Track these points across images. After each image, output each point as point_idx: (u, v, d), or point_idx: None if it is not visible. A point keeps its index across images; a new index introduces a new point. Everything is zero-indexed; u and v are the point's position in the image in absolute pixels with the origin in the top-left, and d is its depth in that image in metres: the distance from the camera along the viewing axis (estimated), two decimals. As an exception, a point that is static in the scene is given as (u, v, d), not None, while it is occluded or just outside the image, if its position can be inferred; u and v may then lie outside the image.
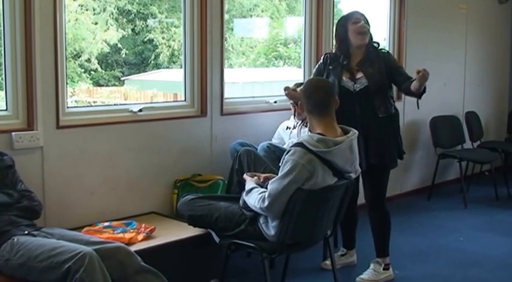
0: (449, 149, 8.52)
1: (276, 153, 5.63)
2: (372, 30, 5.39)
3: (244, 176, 4.73)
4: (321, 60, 5.50)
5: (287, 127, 6.09)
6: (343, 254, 5.82)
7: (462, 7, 9.12)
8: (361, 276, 5.44)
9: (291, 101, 5.78)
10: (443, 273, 5.68)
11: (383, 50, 5.49)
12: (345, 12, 5.95)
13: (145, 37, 7.37)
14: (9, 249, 3.91)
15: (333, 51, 5.56)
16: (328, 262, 5.41)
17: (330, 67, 5.37)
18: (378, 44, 5.45)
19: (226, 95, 6.09)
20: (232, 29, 7.69)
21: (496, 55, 10.13)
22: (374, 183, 5.43)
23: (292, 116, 6.05)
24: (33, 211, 4.31)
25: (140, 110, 5.45)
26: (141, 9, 7.04)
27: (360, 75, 5.27)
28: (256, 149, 5.64)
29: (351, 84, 5.27)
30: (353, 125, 4.69)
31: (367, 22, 5.33)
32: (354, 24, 5.30)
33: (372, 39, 5.38)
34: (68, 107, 5.04)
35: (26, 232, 4.07)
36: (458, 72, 9.20)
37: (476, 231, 6.99)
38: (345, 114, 4.85)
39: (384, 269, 5.48)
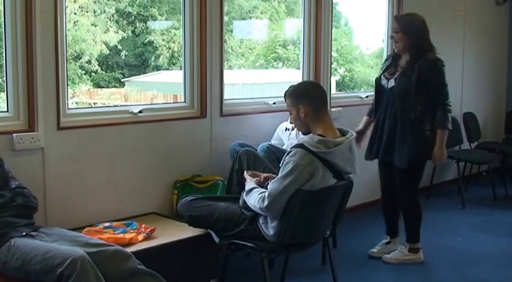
0: (447, 150, 8.50)
1: (275, 154, 5.66)
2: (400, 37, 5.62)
3: (245, 174, 4.76)
4: None
5: (286, 128, 6.11)
6: (388, 242, 6.06)
7: (460, 9, 9.15)
8: (386, 255, 5.90)
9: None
10: (441, 274, 5.71)
11: (432, 55, 5.63)
12: (343, 14, 6.04)
13: (145, 39, 7.38)
14: (6, 252, 3.90)
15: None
16: (375, 250, 5.97)
17: (381, 67, 5.85)
18: (422, 50, 5.59)
19: (225, 96, 6.10)
20: (231, 31, 7.70)
21: (493, 56, 10.16)
22: (399, 177, 5.78)
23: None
24: (29, 207, 4.29)
25: (140, 111, 5.46)
26: (141, 11, 7.05)
27: (396, 75, 5.61)
28: (256, 150, 5.66)
29: (386, 82, 5.67)
30: (382, 121, 5.68)
31: (403, 28, 5.61)
32: None
33: (416, 43, 5.57)
34: (68, 109, 5.05)
35: (24, 233, 4.06)
36: (456, 73, 9.19)
37: (474, 231, 7.01)
38: (377, 109, 5.75)
39: (409, 252, 5.92)
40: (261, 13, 8.20)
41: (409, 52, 5.58)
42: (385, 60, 5.94)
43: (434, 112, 5.60)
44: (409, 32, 5.56)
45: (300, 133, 4.86)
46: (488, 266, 5.88)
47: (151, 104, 6.34)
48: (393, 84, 5.56)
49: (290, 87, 4.65)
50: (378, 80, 5.71)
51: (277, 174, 4.30)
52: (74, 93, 6.93)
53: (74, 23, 6.57)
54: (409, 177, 5.76)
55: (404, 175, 5.73)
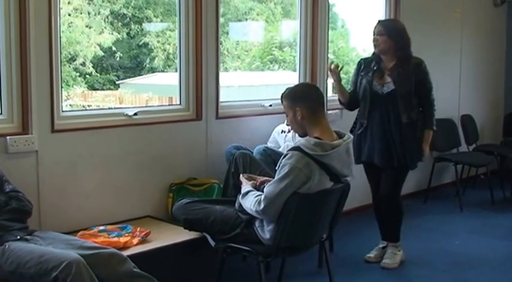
0: (445, 153, 8.52)
1: (272, 156, 5.65)
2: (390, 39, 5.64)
3: (241, 177, 4.74)
4: (356, 66, 5.97)
5: (282, 131, 6.09)
6: (385, 246, 6.03)
7: (457, 11, 9.13)
8: (385, 260, 5.85)
9: None
10: (438, 277, 5.69)
11: (416, 59, 5.72)
12: (340, 16, 6.03)
13: (140, 41, 7.36)
14: (0, 256, 3.88)
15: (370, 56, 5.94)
16: (372, 255, 5.94)
17: (362, 73, 5.80)
18: (408, 53, 5.70)
19: (221, 99, 6.07)
20: (227, 33, 7.68)
21: (491, 58, 10.15)
22: (388, 179, 5.78)
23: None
24: (23, 212, 4.27)
25: (135, 114, 5.44)
26: (136, 12, 7.03)
27: (388, 79, 5.64)
28: (252, 153, 5.63)
29: (379, 88, 5.66)
30: (378, 125, 5.67)
31: (388, 31, 5.63)
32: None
33: (402, 47, 5.65)
34: (62, 111, 5.02)
35: (19, 237, 4.04)
36: (453, 75, 9.20)
37: (472, 234, 6.99)
38: (371, 115, 5.70)
39: (398, 251, 5.93)
40: (257, 15, 8.18)
41: (396, 55, 5.64)
42: (365, 63, 5.86)
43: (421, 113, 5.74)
44: (394, 35, 5.63)
45: (296, 135, 4.84)
46: (487, 270, 5.86)
47: (146, 107, 6.33)
48: (391, 88, 5.58)
49: (287, 89, 4.62)
50: (370, 85, 5.68)
51: (274, 178, 4.28)
52: (68, 95, 6.92)
53: (69, 24, 6.55)
54: (401, 178, 5.83)
55: (398, 175, 5.79)
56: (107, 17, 6.87)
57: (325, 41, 7.10)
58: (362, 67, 5.83)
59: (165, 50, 7.40)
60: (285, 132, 6.04)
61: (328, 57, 7.20)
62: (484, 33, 9.91)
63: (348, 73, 7.43)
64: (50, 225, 4.68)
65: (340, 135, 4.43)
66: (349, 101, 5.89)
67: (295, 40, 7.18)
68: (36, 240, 4.08)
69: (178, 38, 5.85)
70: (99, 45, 6.98)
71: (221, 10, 6.10)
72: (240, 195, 4.52)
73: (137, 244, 4.63)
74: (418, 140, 5.68)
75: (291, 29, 7.91)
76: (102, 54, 7.07)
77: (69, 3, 6.32)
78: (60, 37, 4.94)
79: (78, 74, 7.04)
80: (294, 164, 4.13)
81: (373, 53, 5.78)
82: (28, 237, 4.09)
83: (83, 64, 6.97)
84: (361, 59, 5.97)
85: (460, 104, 9.35)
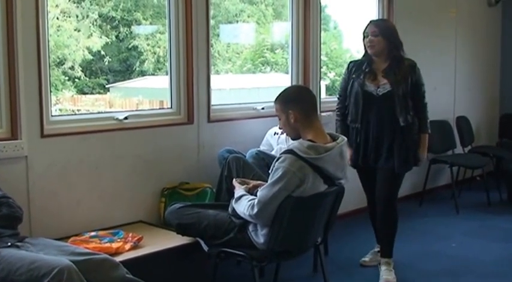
0: (440, 154, 8.49)
1: (265, 160, 5.62)
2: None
3: (234, 182, 4.72)
4: (345, 70, 5.85)
5: (275, 133, 6.06)
6: (380, 251, 5.90)
7: (452, 11, 9.11)
8: (386, 277, 5.57)
9: None
10: (434, 280, 5.67)
11: (409, 60, 5.63)
12: (332, 17, 5.99)
13: (129, 44, 7.33)
14: (-9, 263, 3.86)
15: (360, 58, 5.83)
16: (367, 259, 5.90)
17: (354, 75, 5.67)
18: (402, 53, 5.62)
19: (213, 102, 6.04)
20: (218, 35, 7.66)
21: (486, 58, 10.15)
22: (385, 183, 5.63)
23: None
24: (14, 218, 4.23)
25: (126, 118, 5.39)
26: (125, 15, 7.00)
27: (384, 81, 5.53)
28: (245, 156, 5.60)
29: (374, 89, 5.54)
30: (374, 128, 5.53)
31: (382, 31, 5.54)
32: (364, 38, 5.61)
33: (396, 47, 5.57)
34: (52, 116, 4.98)
35: (9, 244, 3.99)
36: (448, 76, 9.19)
37: (468, 237, 6.97)
38: (365, 118, 5.56)
39: (392, 267, 5.69)
40: (248, 17, 8.16)
41: (390, 56, 5.57)
42: (356, 65, 5.75)
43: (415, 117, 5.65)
44: (388, 35, 5.56)
45: (289, 138, 4.80)
46: (483, 272, 5.84)
47: (137, 111, 6.28)
48: (388, 89, 5.49)
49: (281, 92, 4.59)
50: (361, 88, 5.61)
51: (267, 181, 4.25)
52: (58, 100, 6.88)
53: (57, 28, 6.52)
54: (398, 180, 5.71)
55: (396, 181, 5.68)
56: (96, 20, 6.83)
57: (318, 42, 7.07)
58: (353, 70, 5.71)
59: (155, 53, 7.37)
60: (277, 134, 6.01)
61: (320, 59, 7.16)
62: (479, 34, 9.91)
63: (341, 75, 7.42)
64: (40, 232, 4.64)
65: (333, 138, 4.40)
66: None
67: (287, 42, 7.17)
68: (27, 246, 4.04)
69: (169, 41, 5.82)
70: (88, 48, 6.95)
71: (211, 12, 6.07)
72: (233, 200, 4.49)
73: (129, 250, 4.59)
74: (415, 143, 5.60)
75: (282, 30, 7.90)
76: (91, 57, 7.04)
77: (56, 6, 6.29)
78: (48, 41, 4.91)
79: (67, 78, 7.01)
80: (288, 167, 4.10)
81: (364, 55, 5.71)
82: (19, 243, 4.05)
83: (72, 68, 6.94)
84: (351, 62, 5.86)
85: (455, 106, 9.33)
